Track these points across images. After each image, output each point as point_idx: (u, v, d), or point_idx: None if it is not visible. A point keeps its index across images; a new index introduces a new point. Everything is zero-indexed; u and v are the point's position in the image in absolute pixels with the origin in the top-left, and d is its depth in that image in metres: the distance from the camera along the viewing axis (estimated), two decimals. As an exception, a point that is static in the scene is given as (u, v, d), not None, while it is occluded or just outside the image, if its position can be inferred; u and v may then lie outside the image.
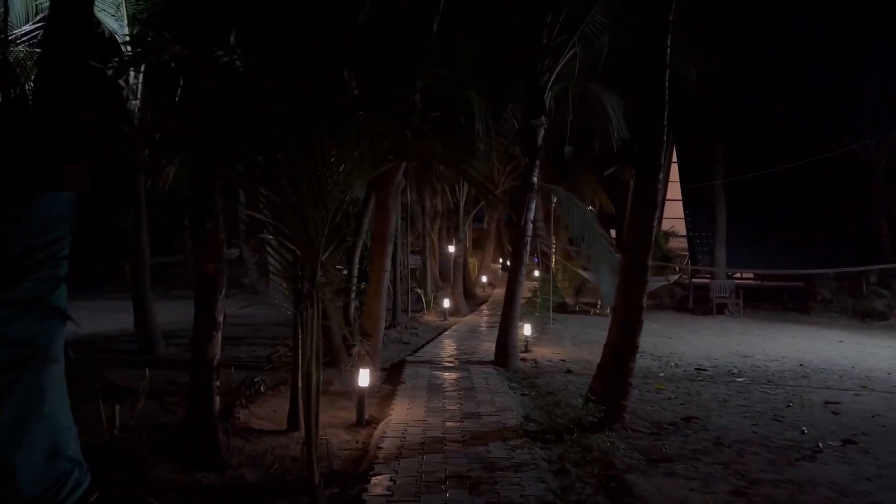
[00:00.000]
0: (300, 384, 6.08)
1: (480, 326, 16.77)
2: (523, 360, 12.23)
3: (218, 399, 6.57)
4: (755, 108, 23.53)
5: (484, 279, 27.86)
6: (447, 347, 13.35)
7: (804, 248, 22.41)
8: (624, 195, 33.38)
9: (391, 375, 10.76)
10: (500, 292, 26.79)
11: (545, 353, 13.32)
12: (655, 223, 8.30)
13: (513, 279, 12.05)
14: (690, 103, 22.82)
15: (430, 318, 18.48)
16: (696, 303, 22.78)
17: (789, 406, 9.31)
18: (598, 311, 21.05)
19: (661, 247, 23.39)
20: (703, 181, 23.13)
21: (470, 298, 23.74)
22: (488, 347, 13.18)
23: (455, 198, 20.18)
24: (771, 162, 21.89)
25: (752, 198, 23.02)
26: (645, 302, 8.18)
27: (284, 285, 6.86)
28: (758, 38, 22.07)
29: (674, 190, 26.82)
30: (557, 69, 12.24)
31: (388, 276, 9.96)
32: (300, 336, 5.65)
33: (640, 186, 8.15)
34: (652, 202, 8.15)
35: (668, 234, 23.80)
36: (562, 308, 21.16)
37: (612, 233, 36.85)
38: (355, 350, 9.47)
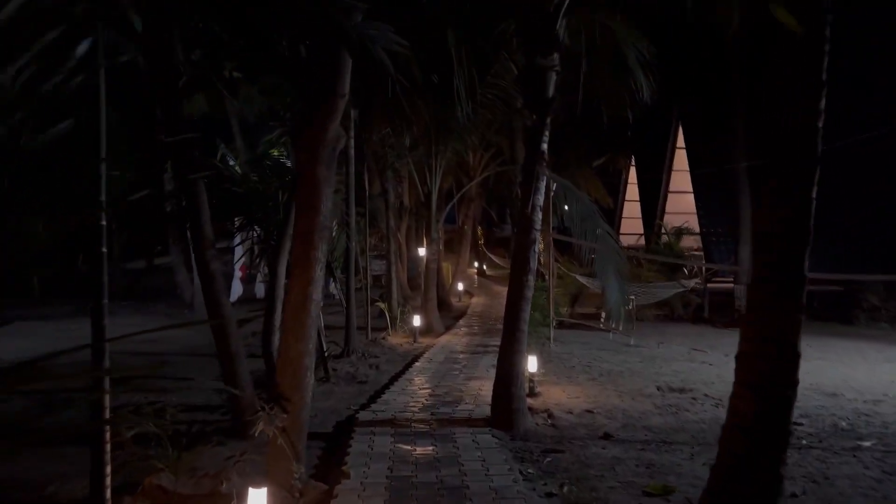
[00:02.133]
0: None
1: (461, 352, 12.82)
2: (531, 410, 8.31)
3: None
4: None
5: (460, 286, 23.94)
6: (419, 391, 9.37)
7: (843, 245, 18.83)
8: (615, 187, 29.73)
9: (331, 452, 6.78)
10: (478, 302, 22.89)
11: (559, 396, 9.41)
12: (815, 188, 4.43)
13: (516, 294, 8.11)
14: (703, 67, 19.25)
15: (395, 339, 14.49)
16: (712, 312, 19.13)
17: None
18: (602, 325, 17.25)
19: (672, 246, 19.71)
20: (717, 168, 19.43)
21: (445, 310, 19.80)
22: (477, 390, 9.27)
23: (426, 187, 16.18)
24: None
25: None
26: (799, 339, 4.33)
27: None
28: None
29: (680, 180, 23.19)
30: (576, -14, 8.40)
31: (318, 293, 5.94)
32: None
33: (795, 127, 4.29)
34: (813, 147, 4.28)
35: (681, 231, 20.10)
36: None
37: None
38: (258, 428, 5.47)
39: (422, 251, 18.73)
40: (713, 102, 20.14)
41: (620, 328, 16.69)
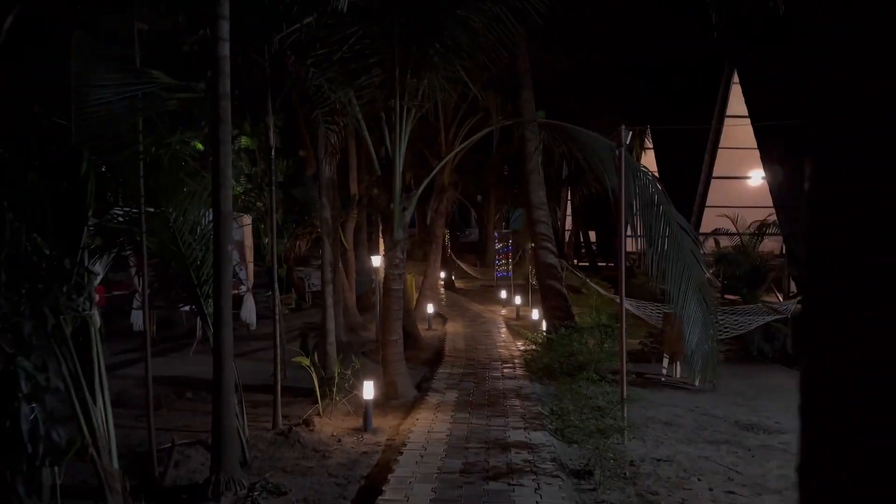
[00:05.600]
0: None
1: (459, 474, 6.24)
2: None
3: None
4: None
5: (430, 308, 17.35)
6: None
7: None
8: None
9: None
10: (456, 330, 16.35)
11: None
12: None
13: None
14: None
15: (330, 426, 7.90)
16: (797, 350, 12.95)
17: None
18: (664, 375, 10.94)
19: (749, 253, 13.46)
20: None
21: (411, 346, 13.25)
22: None
23: (383, 157, 9.54)
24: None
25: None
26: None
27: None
28: None
29: (728, 160, 17.08)
30: None
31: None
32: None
33: None
34: None
35: (764, 230, 13.75)
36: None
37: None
38: None
39: (377, 260, 12.16)
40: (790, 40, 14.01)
41: (697, 383, 10.50)
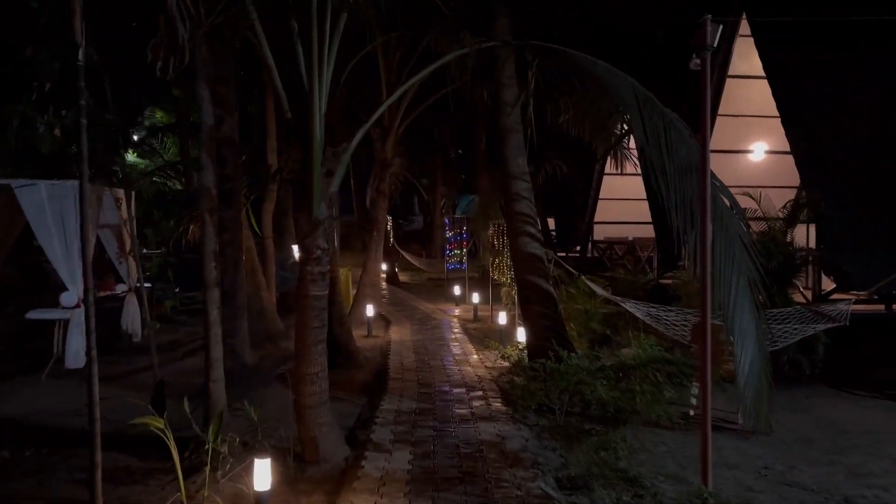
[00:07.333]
0: None
1: None
2: None
3: None
4: None
5: (369, 311, 14.01)
6: None
7: None
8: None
9: None
10: (403, 338, 13.13)
11: None
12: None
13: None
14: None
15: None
16: (839, 364, 10.14)
17: None
18: (695, 408, 7.94)
19: (780, 241, 10.53)
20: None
21: (346, 364, 10.17)
22: None
23: (290, 110, 6.22)
24: None
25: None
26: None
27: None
28: None
29: (731, 132, 14.27)
30: None
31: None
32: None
33: None
34: None
35: (798, 212, 10.68)
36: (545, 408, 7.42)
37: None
38: None
39: (296, 250, 8.84)
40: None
41: (742, 420, 7.67)
